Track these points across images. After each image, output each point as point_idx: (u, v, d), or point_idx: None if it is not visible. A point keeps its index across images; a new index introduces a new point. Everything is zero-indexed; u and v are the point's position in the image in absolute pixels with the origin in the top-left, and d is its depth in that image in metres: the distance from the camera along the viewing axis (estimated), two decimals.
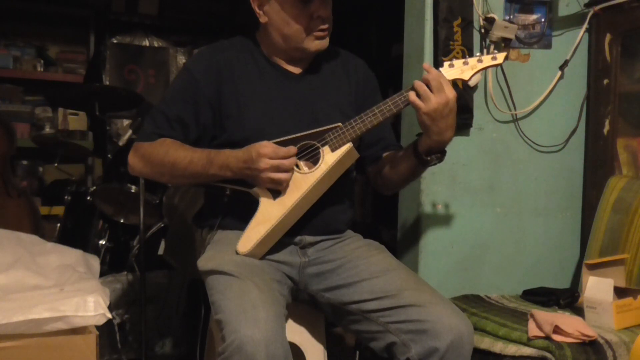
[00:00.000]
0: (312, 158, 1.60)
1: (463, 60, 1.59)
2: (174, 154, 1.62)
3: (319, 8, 1.61)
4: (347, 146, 1.58)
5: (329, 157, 1.58)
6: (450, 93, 1.52)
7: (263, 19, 1.67)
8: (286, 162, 1.52)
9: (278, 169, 1.51)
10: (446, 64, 1.59)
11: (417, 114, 1.55)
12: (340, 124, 1.59)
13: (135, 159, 1.70)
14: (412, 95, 1.54)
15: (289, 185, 1.56)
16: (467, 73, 1.59)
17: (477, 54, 1.61)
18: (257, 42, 1.74)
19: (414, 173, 1.70)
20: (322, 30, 1.64)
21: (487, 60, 1.60)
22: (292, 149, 1.54)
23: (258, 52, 1.73)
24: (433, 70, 1.55)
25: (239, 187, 1.62)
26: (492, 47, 2.11)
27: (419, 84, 1.53)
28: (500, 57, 1.60)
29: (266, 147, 1.51)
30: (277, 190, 1.57)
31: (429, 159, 1.61)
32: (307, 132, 1.59)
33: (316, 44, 1.66)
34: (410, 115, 2.12)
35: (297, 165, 1.59)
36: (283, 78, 1.71)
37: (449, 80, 1.54)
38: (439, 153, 1.61)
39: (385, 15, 3.79)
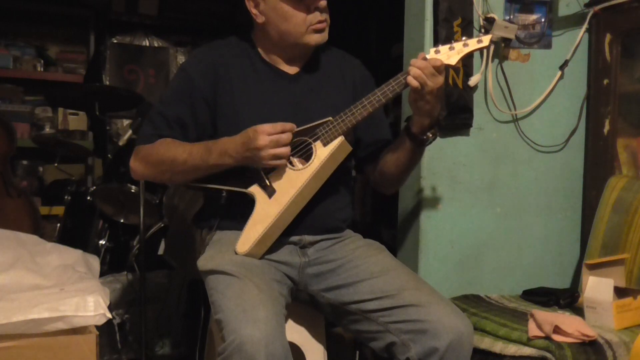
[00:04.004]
0: (305, 154, 1.60)
1: (449, 45, 1.58)
2: (173, 151, 1.63)
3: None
4: (339, 139, 1.58)
5: (322, 152, 1.58)
6: (442, 77, 1.55)
7: (260, 19, 1.66)
8: (284, 136, 1.52)
9: (278, 143, 1.51)
10: (432, 50, 1.59)
11: (415, 97, 1.56)
12: (330, 118, 1.59)
13: (137, 162, 1.70)
14: (411, 80, 1.53)
15: (284, 183, 1.56)
16: (453, 58, 1.58)
17: (463, 38, 1.60)
18: (253, 42, 1.74)
19: (412, 159, 1.70)
20: (320, 22, 1.63)
21: (473, 43, 1.59)
22: (289, 124, 1.54)
23: (254, 52, 1.73)
24: (419, 61, 1.55)
25: (235, 188, 1.62)
26: (492, 47, 2.11)
27: (415, 71, 1.53)
28: (486, 39, 1.59)
29: (262, 125, 1.52)
30: (273, 188, 1.57)
31: (425, 137, 1.63)
32: (299, 129, 1.59)
33: (315, 37, 1.65)
34: (409, 112, 2.11)
35: (290, 162, 1.59)
36: (278, 78, 1.71)
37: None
38: (433, 128, 1.63)
39: (385, 15, 3.79)
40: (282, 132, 1.52)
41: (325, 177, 1.60)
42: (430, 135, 1.63)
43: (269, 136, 1.50)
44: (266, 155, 1.52)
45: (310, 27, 1.63)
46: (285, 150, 1.53)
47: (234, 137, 1.56)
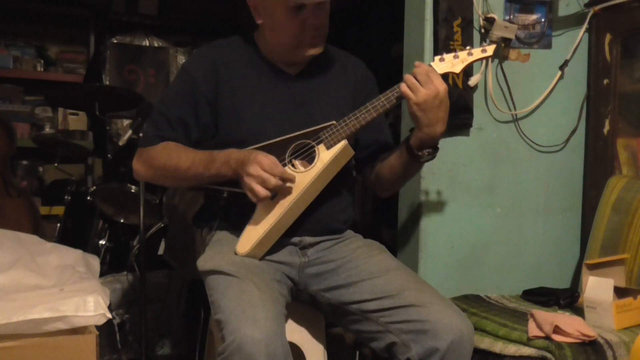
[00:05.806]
0: (308, 157, 1.60)
1: (453, 54, 1.59)
2: (176, 157, 1.62)
3: (310, 16, 1.59)
4: (342, 143, 1.58)
5: (325, 155, 1.58)
6: (440, 85, 1.52)
7: (259, 20, 1.67)
8: (273, 180, 1.48)
9: (263, 182, 1.48)
10: (437, 58, 1.59)
11: (408, 105, 1.56)
12: (334, 121, 1.59)
13: (139, 165, 1.70)
14: (403, 87, 1.54)
15: (286, 185, 1.56)
16: (457, 66, 1.59)
17: (468, 47, 1.61)
18: (255, 42, 1.74)
19: (407, 170, 1.68)
20: (313, 37, 1.63)
21: (477, 53, 1.60)
22: (288, 175, 1.51)
23: (256, 52, 1.73)
24: (423, 64, 1.56)
25: (236, 189, 1.62)
26: None
27: (408, 77, 1.54)
28: (490, 49, 1.61)
29: (267, 158, 1.49)
30: (274, 190, 1.57)
31: (420, 153, 1.60)
32: (302, 132, 1.59)
33: (310, 51, 1.65)
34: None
35: (293, 165, 1.59)
36: (280, 78, 1.71)
37: (440, 74, 1.56)
38: (431, 148, 1.61)
39: (385, 15, 3.79)
40: (278, 176, 1.48)
41: (327, 180, 1.60)
42: (426, 154, 1.61)
43: (261, 170, 1.47)
44: (247, 184, 1.49)
45: (302, 42, 1.62)
46: (264, 193, 1.48)
47: (239, 151, 1.55)
